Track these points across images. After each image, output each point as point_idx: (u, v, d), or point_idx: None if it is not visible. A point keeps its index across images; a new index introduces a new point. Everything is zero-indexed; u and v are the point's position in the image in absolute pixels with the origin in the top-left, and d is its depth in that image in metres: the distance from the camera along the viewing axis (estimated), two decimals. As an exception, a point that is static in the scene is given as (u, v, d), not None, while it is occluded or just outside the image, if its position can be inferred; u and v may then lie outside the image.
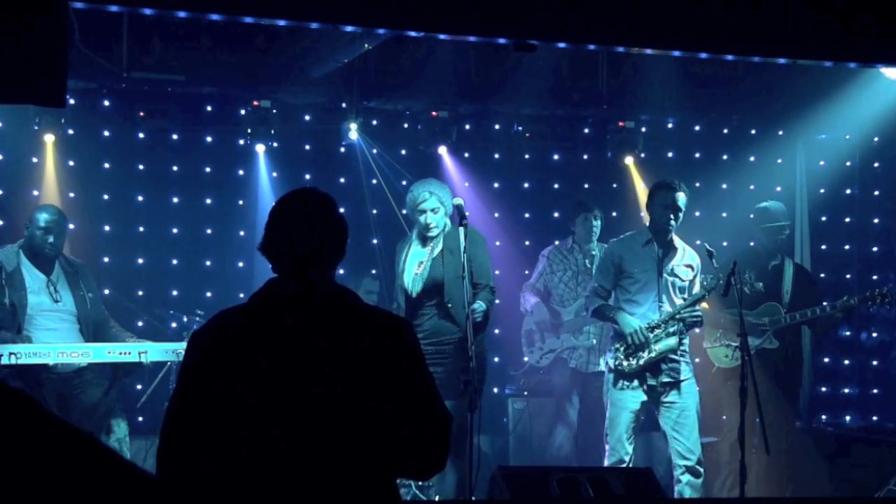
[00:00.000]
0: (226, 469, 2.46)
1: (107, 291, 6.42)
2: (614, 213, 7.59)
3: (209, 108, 7.15)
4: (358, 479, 2.48)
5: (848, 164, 7.56)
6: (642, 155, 7.54)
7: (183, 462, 2.47)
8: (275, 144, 7.27)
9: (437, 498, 5.34)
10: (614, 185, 7.80)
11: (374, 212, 7.38)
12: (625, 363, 5.47)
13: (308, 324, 2.53)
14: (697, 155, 7.78)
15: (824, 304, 6.20)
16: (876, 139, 7.28)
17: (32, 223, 5.72)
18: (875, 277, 7.21)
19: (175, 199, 7.39)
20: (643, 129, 7.50)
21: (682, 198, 5.51)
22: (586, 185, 7.79)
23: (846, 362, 7.68)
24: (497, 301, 5.62)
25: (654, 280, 5.55)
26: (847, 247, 7.76)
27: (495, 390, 7.18)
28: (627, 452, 5.47)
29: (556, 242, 6.87)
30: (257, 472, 2.45)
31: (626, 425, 5.48)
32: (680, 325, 5.50)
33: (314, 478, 2.45)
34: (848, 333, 7.00)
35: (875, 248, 7.71)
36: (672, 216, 5.50)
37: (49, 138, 6.89)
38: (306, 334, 2.52)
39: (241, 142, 7.24)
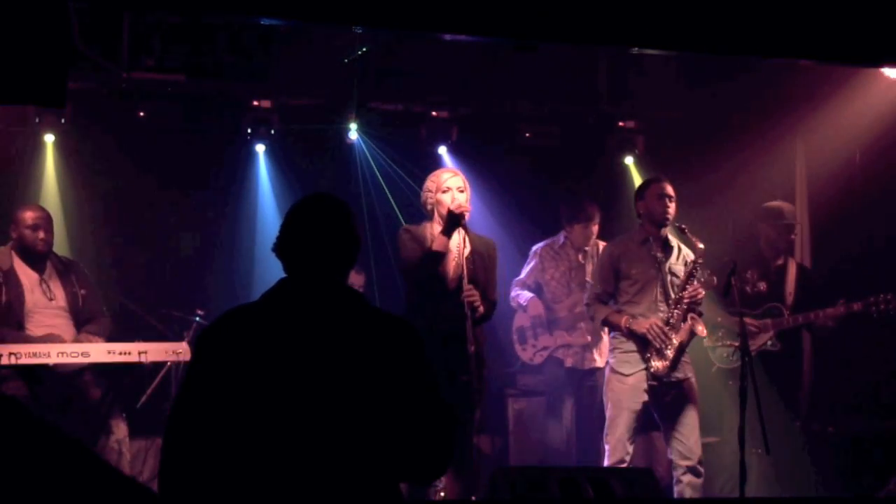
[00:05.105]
0: (233, 469, 2.46)
1: (106, 291, 6.42)
2: (614, 213, 7.57)
3: (209, 109, 7.15)
4: (364, 480, 2.50)
5: (848, 164, 7.55)
6: (642, 155, 7.53)
7: (189, 461, 2.47)
8: (275, 144, 7.28)
9: (442, 496, 5.34)
10: (614, 185, 7.79)
11: (375, 212, 7.37)
12: (659, 365, 5.42)
13: (320, 325, 2.57)
14: (697, 155, 7.77)
15: (827, 308, 6.19)
16: (876, 139, 7.26)
17: (19, 223, 5.74)
18: (876, 279, 7.18)
19: (175, 199, 7.39)
20: (643, 129, 7.50)
21: (670, 188, 5.54)
22: (586, 186, 7.77)
23: (846, 363, 7.67)
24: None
25: (653, 280, 5.53)
26: (848, 248, 7.74)
27: (495, 390, 7.17)
28: (628, 453, 5.46)
29: (549, 240, 6.84)
30: (265, 471, 2.45)
31: (626, 426, 5.46)
32: (684, 313, 5.44)
33: (321, 478, 2.47)
34: (849, 334, 6.97)
35: (876, 250, 7.69)
36: (668, 204, 5.50)
37: (49, 138, 6.89)
38: (318, 335, 2.55)
39: (241, 142, 7.24)
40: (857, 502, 5.87)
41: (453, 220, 4.90)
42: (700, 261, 5.47)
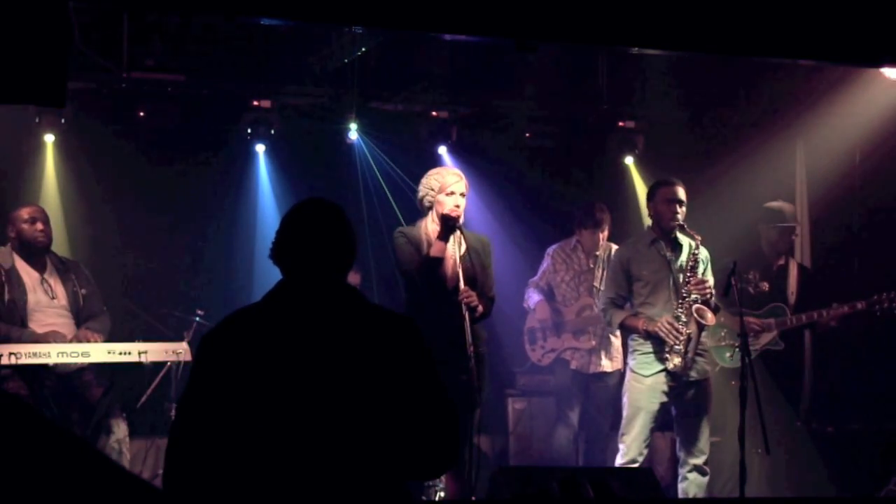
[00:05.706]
0: (239, 470, 2.47)
1: (106, 291, 6.42)
2: (614, 214, 7.56)
3: (209, 109, 7.14)
4: (370, 479, 2.51)
5: (848, 164, 7.55)
6: (642, 155, 7.53)
7: (194, 464, 2.48)
8: (275, 144, 7.28)
9: (441, 496, 5.34)
10: (614, 186, 7.79)
11: (375, 212, 7.37)
12: (677, 361, 5.39)
13: (321, 324, 2.58)
14: (697, 155, 7.78)
15: (830, 307, 6.18)
16: (876, 139, 7.27)
17: (16, 220, 5.74)
18: (876, 279, 7.19)
19: (174, 199, 7.39)
20: (643, 129, 7.50)
21: (682, 191, 5.52)
22: (586, 186, 7.77)
23: (847, 363, 7.67)
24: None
25: (664, 279, 5.51)
26: (848, 248, 7.74)
27: (495, 390, 7.16)
28: (642, 454, 5.45)
29: (562, 242, 6.85)
30: (271, 472, 2.46)
31: (643, 426, 5.45)
32: (690, 306, 5.41)
33: (328, 477, 2.48)
34: (850, 335, 6.97)
35: (876, 250, 7.69)
36: (678, 209, 5.49)
37: (49, 138, 6.89)
38: (319, 334, 2.56)
39: (241, 142, 7.24)
40: (857, 502, 5.87)
41: (449, 225, 4.89)
42: (698, 250, 5.47)
